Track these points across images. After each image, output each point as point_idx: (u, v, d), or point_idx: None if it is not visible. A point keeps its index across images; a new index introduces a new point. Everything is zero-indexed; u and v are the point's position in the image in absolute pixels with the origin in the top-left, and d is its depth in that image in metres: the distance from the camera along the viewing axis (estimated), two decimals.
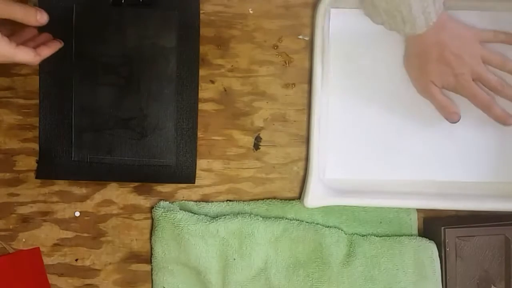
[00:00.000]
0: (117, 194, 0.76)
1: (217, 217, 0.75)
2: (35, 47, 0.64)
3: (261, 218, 0.75)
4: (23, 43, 0.64)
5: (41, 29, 0.67)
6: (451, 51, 0.70)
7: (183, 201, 0.77)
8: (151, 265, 0.76)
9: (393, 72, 0.76)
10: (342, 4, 0.75)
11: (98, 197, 0.76)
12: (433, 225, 0.76)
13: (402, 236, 0.76)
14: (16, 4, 0.63)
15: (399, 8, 0.63)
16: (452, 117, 0.73)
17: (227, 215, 0.75)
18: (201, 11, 0.75)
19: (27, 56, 0.63)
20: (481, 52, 0.72)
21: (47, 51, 0.66)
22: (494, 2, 0.75)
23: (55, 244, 0.76)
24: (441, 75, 0.72)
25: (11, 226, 0.76)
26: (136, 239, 0.77)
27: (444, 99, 0.73)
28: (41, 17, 0.64)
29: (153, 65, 0.74)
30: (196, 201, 0.77)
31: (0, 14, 0.62)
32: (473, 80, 0.72)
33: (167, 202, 0.76)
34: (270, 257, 0.75)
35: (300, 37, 0.76)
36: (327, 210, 0.76)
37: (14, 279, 0.74)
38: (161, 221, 0.74)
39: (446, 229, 0.74)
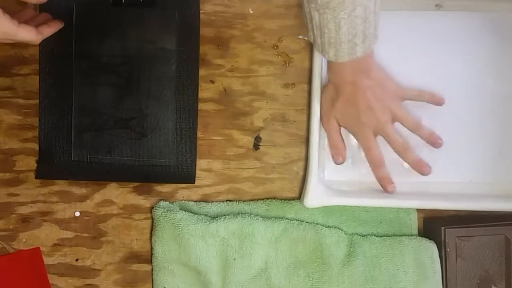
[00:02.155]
0: (117, 194, 0.76)
1: (217, 217, 0.75)
2: (36, 27, 0.64)
3: (261, 218, 0.75)
4: (24, 23, 0.63)
5: None
6: (366, 98, 0.70)
7: (183, 201, 0.77)
8: (151, 265, 0.76)
9: (392, 73, 0.76)
10: None
11: (98, 197, 0.76)
12: (433, 225, 0.76)
13: (402, 236, 0.76)
14: None
15: (329, 26, 0.63)
16: (337, 159, 0.75)
17: (227, 215, 0.75)
18: (201, 11, 0.75)
19: (29, 34, 0.62)
20: (396, 110, 0.72)
21: (48, 30, 0.66)
22: (490, 3, 0.75)
23: (55, 244, 0.76)
24: (346, 115, 0.72)
25: (11, 226, 0.76)
26: (136, 239, 0.77)
27: (338, 139, 0.74)
28: None
29: (153, 65, 0.74)
30: (196, 201, 0.77)
31: None
32: (374, 134, 0.72)
33: (167, 202, 0.76)
34: (270, 257, 0.75)
35: (300, 37, 0.76)
36: (327, 210, 0.76)
37: (14, 279, 0.74)
38: (161, 221, 0.74)
39: (446, 229, 0.74)
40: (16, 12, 0.66)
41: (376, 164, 0.73)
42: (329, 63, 0.71)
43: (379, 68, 0.72)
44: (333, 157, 0.75)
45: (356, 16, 0.62)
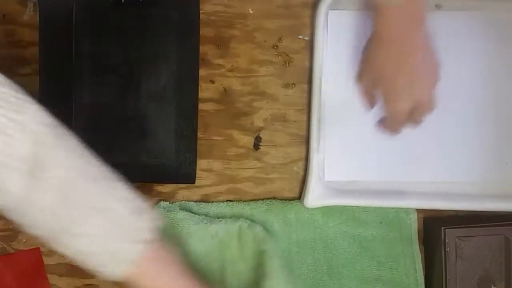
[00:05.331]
0: None
1: (217, 217, 0.75)
2: None
3: (260, 220, 0.75)
4: None
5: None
6: (414, 63, 0.60)
7: (183, 201, 0.76)
8: None
9: None
10: (341, 5, 0.74)
11: None
12: (433, 225, 0.76)
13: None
14: None
15: None
16: (367, 107, 0.69)
17: (227, 216, 0.75)
18: (201, 11, 0.75)
19: None
20: (434, 98, 0.63)
21: None
22: (490, 3, 0.75)
23: None
24: (384, 76, 0.62)
25: (11, 226, 0.76)
26: None
27: (370, 99, 0.68)
28: None
29: (153, 65, 0.74)
30: (196, 201, 0.77)
31: None
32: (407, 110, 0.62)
33: (167, 202, 0.76)
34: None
35: (300, 37, 0.76)
36: (327, 210, 0.76)
37: (14, 279, 0.74)
38: None
39: (446, 229, 0.74)
40: None
41: (393, 125, 0.65)
42: (378, 11, 0.60)
43: (429, 35, 0.62)
44: (364, 106, 0.69)
45: None
